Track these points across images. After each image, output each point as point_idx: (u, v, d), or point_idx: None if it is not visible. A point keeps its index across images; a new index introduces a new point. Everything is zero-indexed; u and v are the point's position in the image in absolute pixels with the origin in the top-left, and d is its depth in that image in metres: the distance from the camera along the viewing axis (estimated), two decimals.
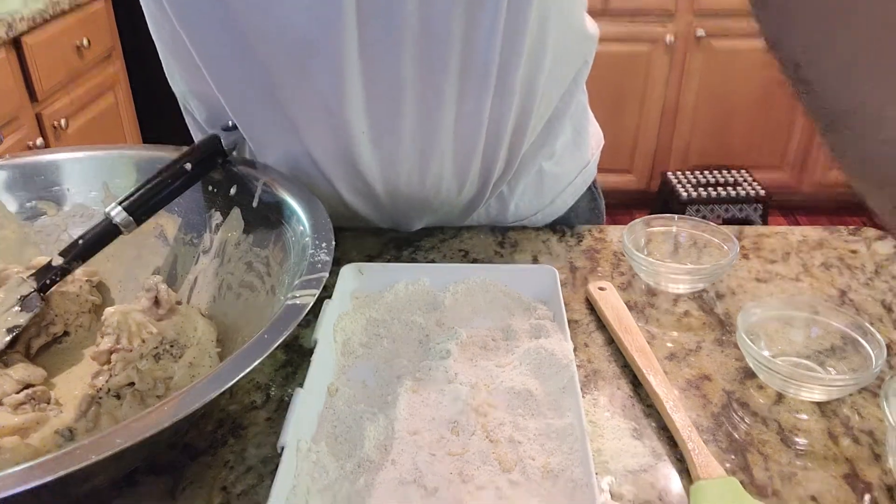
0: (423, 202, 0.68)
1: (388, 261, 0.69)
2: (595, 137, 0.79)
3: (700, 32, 2.32)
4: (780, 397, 0.52)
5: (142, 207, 0.56)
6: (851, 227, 0.73)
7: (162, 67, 0.68)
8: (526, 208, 0.75)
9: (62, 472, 0.34)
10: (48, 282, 0.55)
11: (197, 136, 0.73)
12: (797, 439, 0.49)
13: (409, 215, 0.71)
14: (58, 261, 0.55)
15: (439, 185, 0.66)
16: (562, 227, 0.74)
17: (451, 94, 0.59)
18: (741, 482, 0.44)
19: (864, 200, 0.26)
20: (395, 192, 0.66)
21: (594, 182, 0.81)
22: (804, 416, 0.50)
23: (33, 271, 0.56)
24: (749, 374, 0.54)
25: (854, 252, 0.69)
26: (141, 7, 0.62)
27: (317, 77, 0.56)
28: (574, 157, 0.75)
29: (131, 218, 0.56)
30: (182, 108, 0.73)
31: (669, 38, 2.33)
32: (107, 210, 0.56)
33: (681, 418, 0.49)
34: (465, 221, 0.74)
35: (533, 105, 0.64)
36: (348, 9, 0.52)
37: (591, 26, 0.70)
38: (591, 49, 0.70)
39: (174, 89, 0.70)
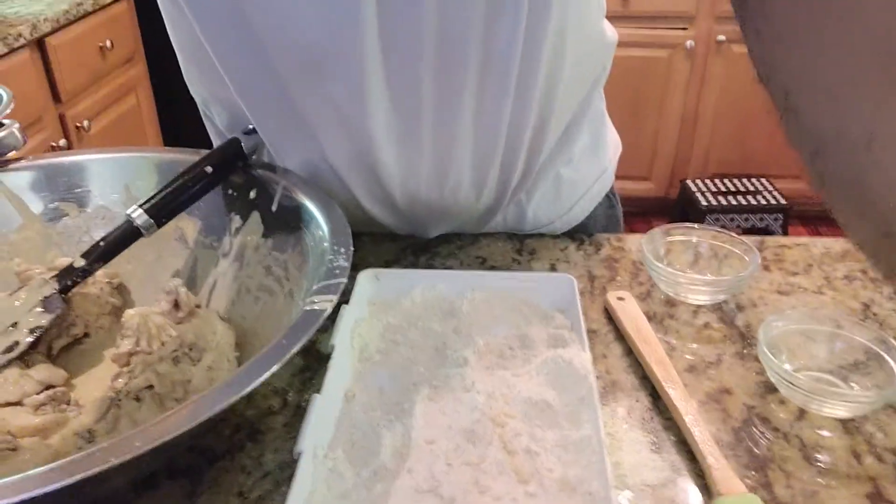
0: (441, 209, 0.68)
1: (406, 267, 0.69)
2: (613, 144, 0.79)
3: (721, 38, 2.30)
4: (802, 413, 0.51)
5: (163, 210, 0.57)
6: None
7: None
8: (544, 216, 0.74)
9: (81, 475, 0.34)
10: (70, 283, 0.56)
11: (216, 141, 0.74)
12: (819, 456, 0.48)
13: (427, 222, 0.71)
14: (80, 262, 0.56)
15: (457, 192, 0.66)
16: (580, 235, 0.74)
17: (469, 102, 0.59)
18: (762, 499, 0.44)
19: (847, 234, 0.26)
20: (414, 198, 0.66)
21: (612, 189, 0.80)
22: (827, 433, 0.50)
23: (55, 272, 0.57)
24: (770, 389, 0.53)
25: None
26: None
27: (336, 88, 0.56)
28: (592, 163, 0.75)
29: (152, 221, 0.56)
30: (202, 115, 0.73)
31: (690, 43, 2.32)
32: (128, 212, 0.56)
33: (700, 432, 0.48)
34: (483, 229, 0.74)
35: (551, 112, 0.63)
36: (368, 23, 0.52)
37: (610, 32, 0.69)
38: (610, 55, 0.70)
39: (194, 95, 0.71)
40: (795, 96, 0.26)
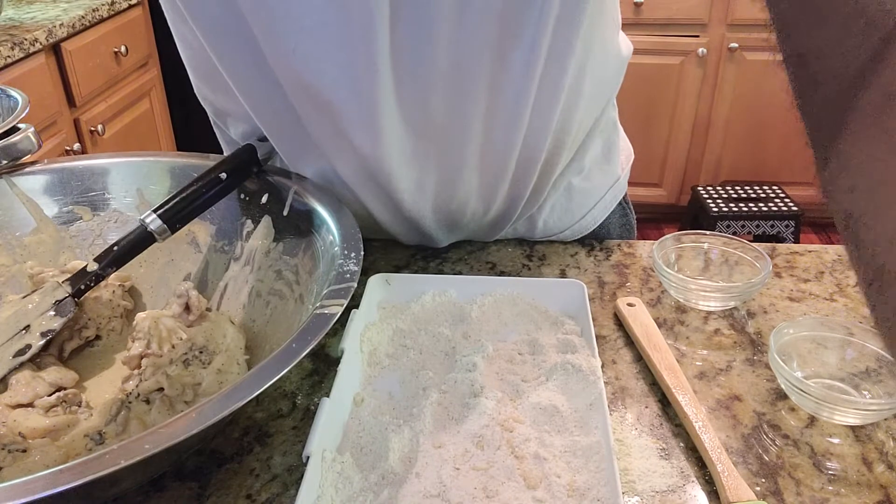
0: (450, 222, 0.69)
1: (416, 272, 0.69)
2: (625, 152, 0.78)
3: (733, 45, 2.30)
4: (812, 420, 0.51)
5: (177, 216, 0.57)
6: None
7: None
8: (555, 225, 0.74)
9: (91, 477, 0.34)
10: (83, 287, 0.56)
11: (227, 149, 0.74)
12: (830, 464, 0.48)
13: (437, 233, 0.71)
14: (93, 266, 0.56)
15: (465, 207, 0.66)
16: (590, 241, 0.74)
17: (477, 131, 0.59)
18: None
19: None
20: (423, 212, 0.66)
21: (625, 197, 0.80)
22: (837, 441, 0.49)
23: (68, 276, 0.57)
24: (781, 396, 0.53)
25: None
26: None
27: (349, 120, 0.56)
28: (604, 172, 0.75)
29: (166, 226, 0.56)
30: (213, 124, 0.73)
31: (702, 50, 2.31)
32: (142, 217, 0.56)
33: (710, 439, 0.48)
34: (493, 238, 0.74)
35: (568, 134, 0.63)
36: (381, 62, 0.52)
37: (626, 47, 0.69)
38: (624, 69, 0.69)
39: (205, 106, 0.71)
40: (860, 229, 0.29)
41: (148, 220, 0.56)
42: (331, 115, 0.56)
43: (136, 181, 0.66)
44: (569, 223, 0.74)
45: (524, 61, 0.54)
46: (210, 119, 0.73)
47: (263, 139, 0.65)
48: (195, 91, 0.69)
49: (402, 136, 0.58)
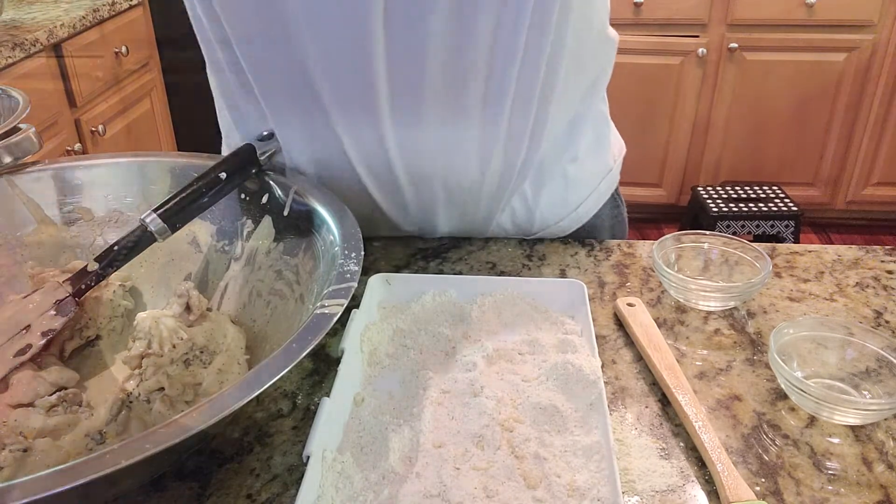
0: (446, 191, 0.69)
1: (416, 272, 0.69)
2: (617, 145, 0.80)
3: (733, 45, 2.30)
4: (812, 420, 0.51)
5: (177, 216, 0.57)
6: (888, 246, 0.72)
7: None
8: (551, 215, 0.75)
9: (91, 476, 0.34)
10: (83, 287, 0.56)
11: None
12: (830, 464, 0.48)
13: (434, 210, 0.71)
14: (93, 266, 0.56)
15: (464, 169, 0.67)
16: (590, 240, 0.74)
17: (476, 92, 0.61)
18: None
19: None
20: (420, 179, 0.67)
21: (617, 190, 0.81)
22: (837, 440, 0.49)
23: (69, 276, 0.57)
24: (781, 396, 0.53)
25: (890, 272, 0.68)
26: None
27: (349, 80, 0.59)
28: (596, 161, 0.76)
29: (166, 226, 0.56)
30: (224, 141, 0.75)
31: (702, 50, 2.31)
32: (142, 217, 0.56)
33: (710, 439, 0.48)
34: (491, 227, 0.74)
35: (550, 101, 0.65)
36: (375, 31, 0.55)
37: (612, 31, 0.71)
38: (611, 56, 0.71)
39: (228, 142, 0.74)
40: None
41: (148, 220, 0.56)
42: (332, 51, 0.58)
43: (137, 181, 0.66)
44: (564, 213, 0.75)
45: (515, 13, 0.56)
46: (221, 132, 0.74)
47: (263, 138, 0.65)
48: (221, 126, 0.73)
49: (392, 106, 0.61)
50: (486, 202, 0.71)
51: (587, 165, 0.75)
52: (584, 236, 0.77)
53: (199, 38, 0.66)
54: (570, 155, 0.72)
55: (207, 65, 0.68)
